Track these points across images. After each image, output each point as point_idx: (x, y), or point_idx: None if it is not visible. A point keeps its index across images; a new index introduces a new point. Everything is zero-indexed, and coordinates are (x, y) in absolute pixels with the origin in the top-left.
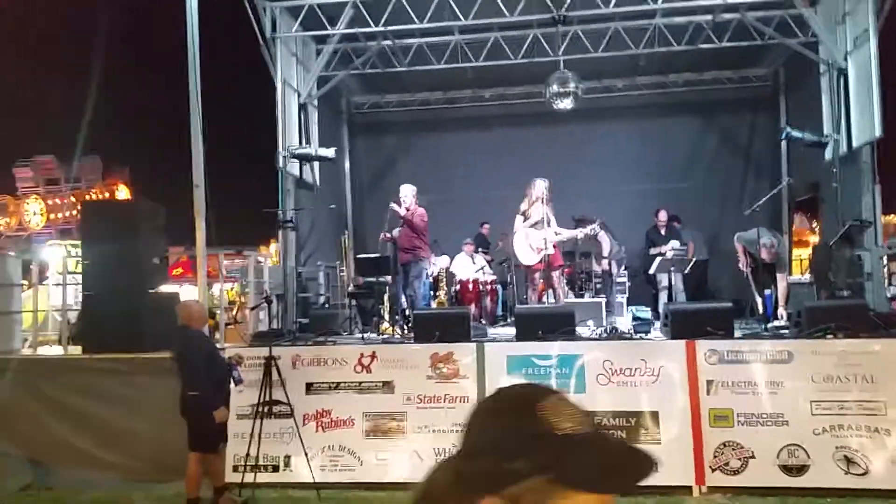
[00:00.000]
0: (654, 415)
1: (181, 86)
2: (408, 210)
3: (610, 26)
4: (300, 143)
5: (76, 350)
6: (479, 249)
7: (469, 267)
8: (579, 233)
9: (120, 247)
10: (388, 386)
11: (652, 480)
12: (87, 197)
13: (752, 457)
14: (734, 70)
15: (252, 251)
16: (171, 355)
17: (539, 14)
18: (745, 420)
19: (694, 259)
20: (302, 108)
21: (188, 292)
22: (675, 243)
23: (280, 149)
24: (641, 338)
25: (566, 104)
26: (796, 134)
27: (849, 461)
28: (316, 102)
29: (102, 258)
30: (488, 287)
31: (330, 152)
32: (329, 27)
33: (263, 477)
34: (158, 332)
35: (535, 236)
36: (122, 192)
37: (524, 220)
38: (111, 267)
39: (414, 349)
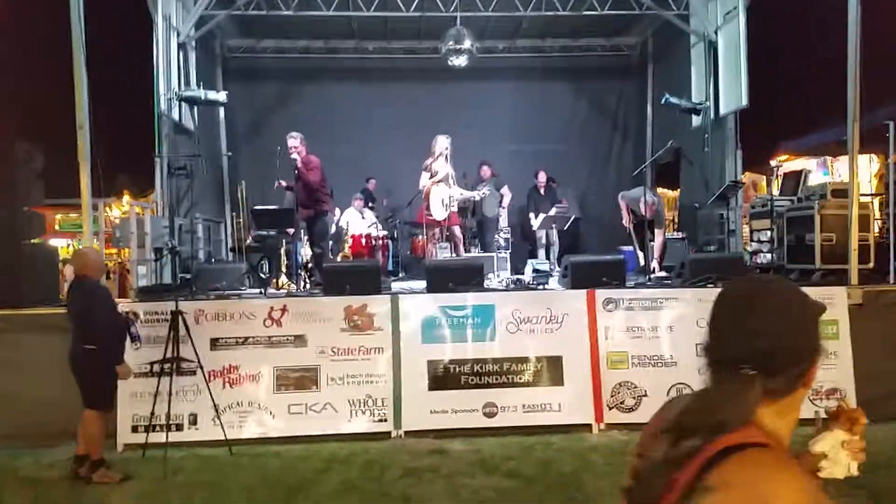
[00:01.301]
0: (559, 359)
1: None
2: (302, 163)
3: None
4: (179, 85)
5: None
6: (369, 204)
7: (360, 222)
8: (476, 194)
9: None
10: (300, 339)
11: (556, 419)
12: None
13: (645, 395)
14: (606, 38)
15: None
16: (67, 308)
17: None
18: (638, 362)
19: (573, 217)
20: (181, 47)
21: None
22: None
23: (161, 91)
24: (544, 288)
25: (460, 61)
26: (674, 100)
27: None
28: (194, 44)
29: None
30: (380, 242)
31: (221, 96)
32: None
33: (168, 436)
34: (37, 286)
35: (443, 192)
36: None
37: (430, 177)
38: None
39: (327, 302)
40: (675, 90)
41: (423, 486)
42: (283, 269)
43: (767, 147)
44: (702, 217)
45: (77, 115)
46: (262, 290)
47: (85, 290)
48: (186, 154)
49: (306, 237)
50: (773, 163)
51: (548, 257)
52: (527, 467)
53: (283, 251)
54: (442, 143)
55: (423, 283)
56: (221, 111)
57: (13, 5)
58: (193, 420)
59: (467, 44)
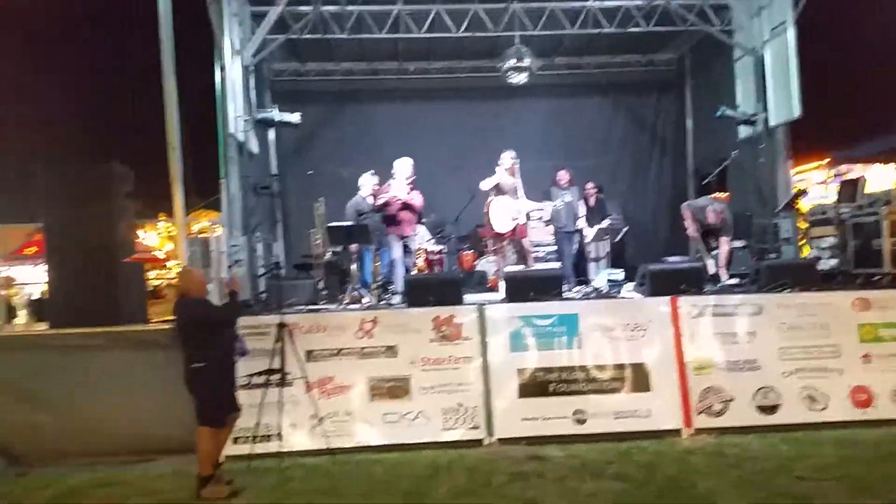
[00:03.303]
0: (643, 366)
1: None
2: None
3: (547, 6)
4: (247, 109)
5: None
6: (421, 220)
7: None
8: (548, 204)
9: (91, 212)
10: (391, 350)
11: (645, 425)
12: None
13: (732, 399)
14: (643, 54)
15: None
16: (174, 325)
17: None
18: (723, 367)
19: (626, 228)
20: (245, 71)
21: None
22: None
23: (230, 113)
24: (622, 297)
25: (520, 79)
26: (730, 112)
27: (811, 399)
28: (252, 67)
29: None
30: (436, 257)
31: (295, 117)
32: None
33: (269, 447)
34: (132, 303)
35: (510, 205)
36: None
37: (496, 191)
38: (81, 235)
39: (415, 313)
40: (718, 103)
41: (536, 490)
42: (355, 283)
43: (817, 156)
44: (756, 226)
45: (168, 135)
46: (344, 304)
47: (190, 309)
48: (257, 176)
49: (375, 251)
50: (825, 172)
51: (598, 269)
52: (630, 470)
53: (353, 266)
54: (507, 158)
55: (484, 296)
56: (272, 133)
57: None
58: (293, 430)
59: (527, 62)
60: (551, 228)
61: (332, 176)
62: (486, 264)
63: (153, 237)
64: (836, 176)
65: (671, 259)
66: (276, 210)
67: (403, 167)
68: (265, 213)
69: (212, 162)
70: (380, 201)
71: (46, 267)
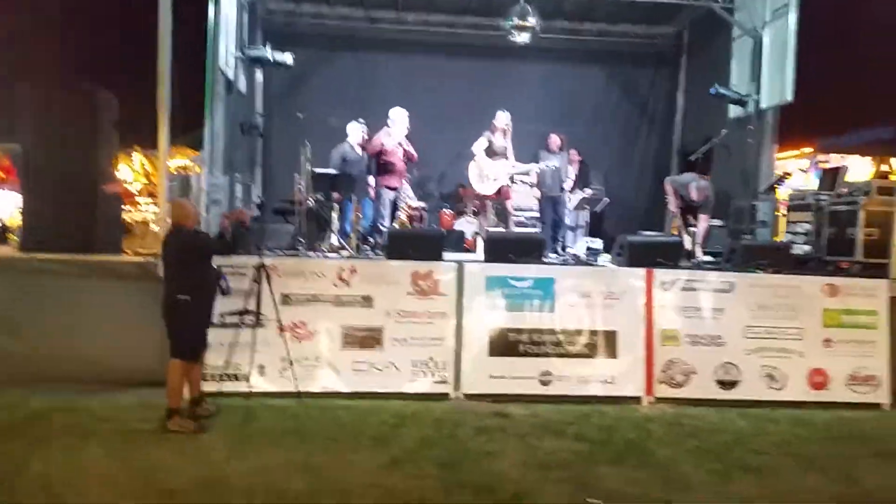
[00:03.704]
0: (613, 333)
1: None
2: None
3: None
4: (238, 45)
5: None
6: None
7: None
8: (534, 167)
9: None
10: (367, 300)
11: (608, 391)
12: None
13: (694, 372)
14: (644, 25)
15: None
16: (162, 256)
17: None
18: (689, 340)
19: (606, 201)
20: (240, 5)
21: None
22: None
23: (221, 49)
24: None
25: (523, 38)
26: (724, 91)
27: (771, 377)
28: (246, 3)
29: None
30: (417, 213)
31: (287, 57)
32: None
33: (237, 386)
34: (108, 233)
35: (492, 167)
36: None
37: (488, 148)
38: (61, 159)
39: (395, 266)
40: (712, 81)
41: (498, 444)
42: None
43: (803, 142)
44: (734, 207)
45: (159, 66)
46: (325, 250)
47: (183, 239)
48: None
49: (357, 202)
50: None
51: (575, 238)
52: (590, 432)
53: (335, 214)
54: (502, 118)
55: (460, 255)
56: (259, 74)
57: None
58: (262, 371)
59: (531, 21)
60: (536, 192)
61: (318, 121)
62: (465, 224)
63: (126, 170)
64: (812, 166)
65: (646, 233)
66: (256, 152)
67: (402, 116)
68: (245, 154)
69: (196, 97)
70: (377, 146)
71: (21, 189)
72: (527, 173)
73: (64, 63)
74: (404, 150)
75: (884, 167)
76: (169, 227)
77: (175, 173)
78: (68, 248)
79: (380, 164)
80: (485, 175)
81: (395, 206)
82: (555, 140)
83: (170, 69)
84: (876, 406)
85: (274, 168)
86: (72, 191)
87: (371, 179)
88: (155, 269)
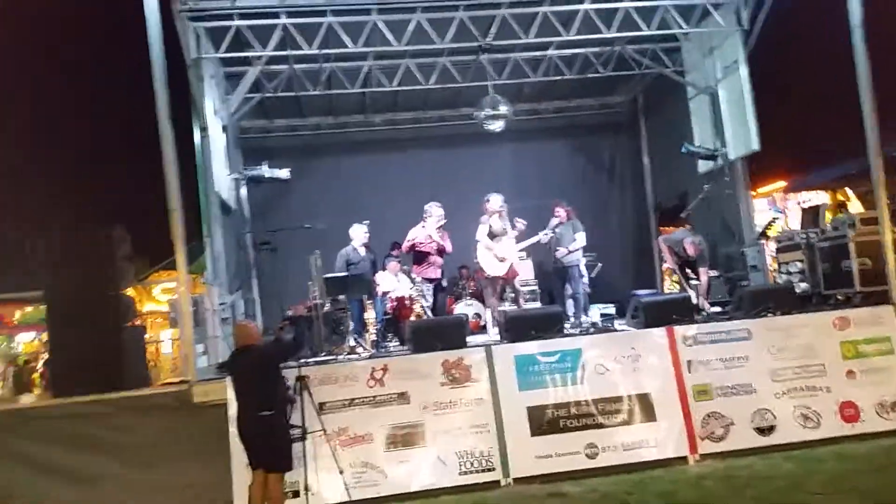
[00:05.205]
0: (647, 395)
1: None
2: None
3: (510, 56)
4: (228, 167)
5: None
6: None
7: (396, 283)
8: (539, 238)
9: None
10: (403, 397)
11: (653, 455)
12: None
13: (732, 423)
14: (597, 98)
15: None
16: (232, 379)
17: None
18: (721, 392)
19: (600, 266)
20: (225, 130)
21: None
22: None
23: (216, 172)
24: (619, 330)
25: (497, 126)
26: (693, 148)
27: (805, 417)
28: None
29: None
30: (408, 303)
31: (284, 173)
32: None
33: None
34: (139, 367)
35: (498, 248)
36: None
37: (489, 233)
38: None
39: (424, 358)
40: (673, 139)
41: None
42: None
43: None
44: (722, 255)
45: (169, 197)
46: (357, 352)
47: (256, 356)
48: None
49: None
50: (788, 201)
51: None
52: (650, 499)
53: (349, 315)
54: (496, 200)
55: (475, 338)
56: (244, 190)
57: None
58: (308, 486)
59: (503, 109)
60: (531, 265)
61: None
62: (465, 307)
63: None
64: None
65: (641, 293)
66: (250, 266)
67: (435, 209)
68: (243, 270)
69: (193, 222)
70: (410, 240)
71: (48, 335)
72: (526, 249)
73: (77, 207)
74: (437, 242)
75: (840, 197)
76: (234, 350)
77: (177, 297)
78: (99, 388)
79: (416, 256)
80: (498, 258)
81: (435, 294)
82: (561, 212)
83: (180, 199)
84: None
85: (266, 279)
86: (96, 330)
87: (378, 277)
88: (190, 395)
